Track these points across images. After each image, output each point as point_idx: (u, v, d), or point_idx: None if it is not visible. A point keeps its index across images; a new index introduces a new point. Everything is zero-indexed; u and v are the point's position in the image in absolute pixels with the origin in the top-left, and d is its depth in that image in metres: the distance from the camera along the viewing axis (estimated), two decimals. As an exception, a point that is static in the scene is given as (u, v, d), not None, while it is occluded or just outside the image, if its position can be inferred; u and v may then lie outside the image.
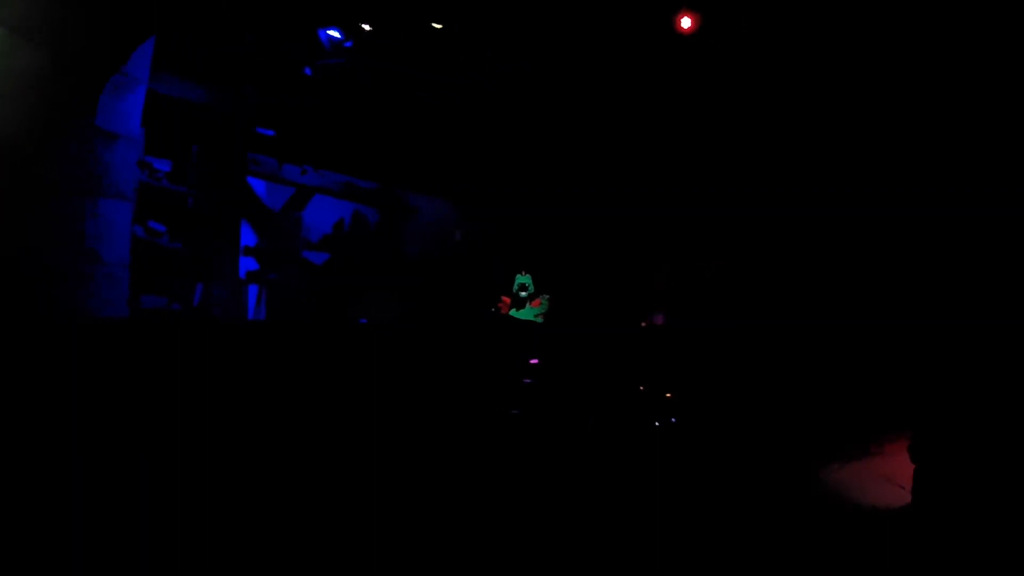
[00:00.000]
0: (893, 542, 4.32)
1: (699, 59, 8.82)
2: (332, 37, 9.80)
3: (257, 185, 10.98)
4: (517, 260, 8.45)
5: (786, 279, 8.55)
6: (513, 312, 8.20)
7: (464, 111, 10.42)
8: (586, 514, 4.46)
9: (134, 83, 7.49)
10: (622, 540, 4.25)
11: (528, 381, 6.99)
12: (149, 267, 8.20)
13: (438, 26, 9.55)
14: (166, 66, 8.37)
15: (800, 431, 6.53)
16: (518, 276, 8.21)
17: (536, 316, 8.14)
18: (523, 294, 8.17)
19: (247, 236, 10.92)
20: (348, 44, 9.90)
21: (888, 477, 5.26)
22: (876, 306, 7.85)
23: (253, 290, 10.84)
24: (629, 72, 9.43)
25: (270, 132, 10.46)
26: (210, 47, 8.94)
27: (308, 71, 10.26)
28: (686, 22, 8.40)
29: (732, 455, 5.91)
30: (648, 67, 9.18)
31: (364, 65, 10.11)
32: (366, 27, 9.64)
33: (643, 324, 8.20)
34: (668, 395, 6.65)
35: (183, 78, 8.66)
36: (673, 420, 6.33)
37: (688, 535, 4.37)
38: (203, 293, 8.99)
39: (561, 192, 10.48)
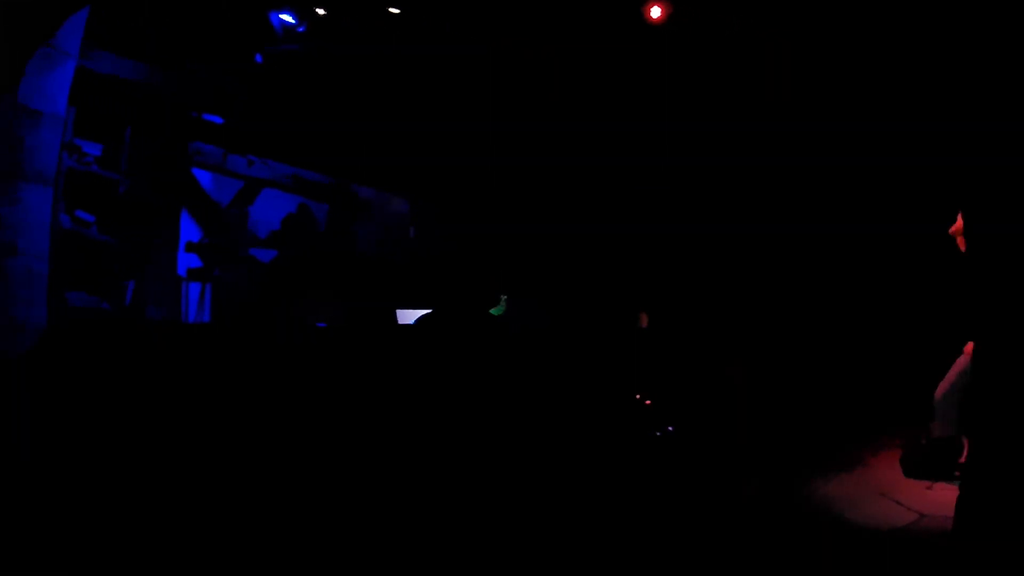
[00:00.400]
0: (895, 565, 3.91)
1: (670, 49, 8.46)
2: (285, 22, 9.27)
3: (203, 177, 10.34)
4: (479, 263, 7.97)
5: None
6: None
7: (425, 102, 9.89)
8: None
9: (63, 57, 6.84)
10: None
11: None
12: (76, 261, 7.50)
13: (395, 11, 9.09)
14: (101, 41, 7.73)
15: (780, 441, 6.15)
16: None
17: None
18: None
19: (190, 231, 10.28)
20: (301, 29, 9.37)
21: (883, 491, 4.87)
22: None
23: (195, 289, 10.19)
24: (596, 62, 9.05)
25: (217, 119, 9.83)
26: (152, 24, 8.33)
27: (259, 58, 9.69)
28: (655, 12, 8.09)
29: (714, 467, 5.47)
30: (617, 57, 8.79)
31: (318, 52, 9.57)
32: (320, 11, 9.16)
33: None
34: (648, 402, 6.20)
35: (120, 54, 7.98)
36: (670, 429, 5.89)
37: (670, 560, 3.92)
38: (136, 291, 8.29)
39: (526, 191, 10.03)
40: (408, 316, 7.21)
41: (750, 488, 5.09)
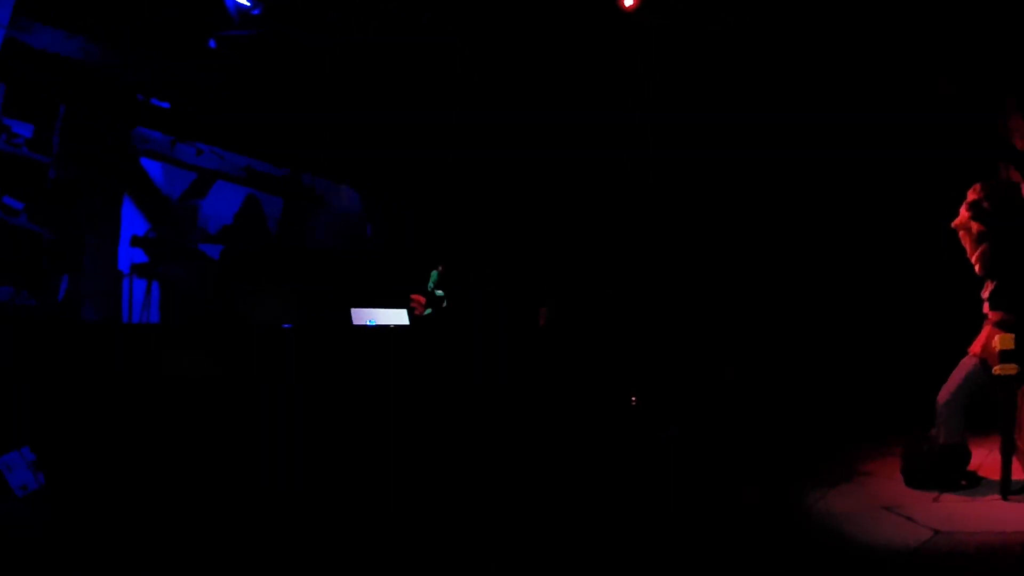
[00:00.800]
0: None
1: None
2: (240, 5, 8.71)
3: (153, 168, 9.71)
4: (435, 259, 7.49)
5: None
6: (429, 312, 7.20)
7: (383, 92, 9.35)
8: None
9: (-12, 28, 6.23)
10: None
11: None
12: (2, 252, 6.83)
13: None
14: (37, 13, 7.11)
15: (775, 447, 5.74)
16: (433, 272, 7.21)
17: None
18: (439, 292, 7.17)
19: (136, 223, 9.63)
20: (256, 12, 8.81)
21: (887, 504, 4.45)
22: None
23: (140, 286, 9.53)
24: (567, 50, 8.61)
25: (165, 105, 9.20)
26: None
27: (212, 43, 9.09)
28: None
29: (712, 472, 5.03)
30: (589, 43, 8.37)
31: (274, 37, 9.00)
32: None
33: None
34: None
35: (56, 27, 7.33)
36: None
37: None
38: (70, 286, 7.61)
39: (489, 184, 9.56)
40: (363, 315, 6.71)
41: (750, 496, 4.67)
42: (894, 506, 4.41)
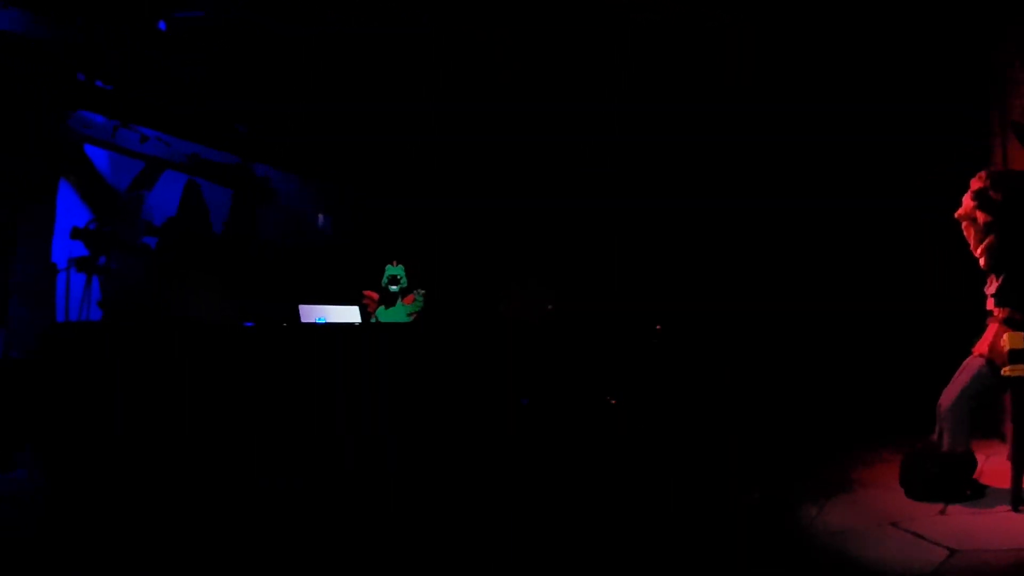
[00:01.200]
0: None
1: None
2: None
3: (99, 156, 9.05)
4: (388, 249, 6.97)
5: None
6: (381, 312, 6.67)
7: (341, 76, 8.83)
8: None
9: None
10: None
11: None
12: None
13: None
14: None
15: (769, 453, 5.35)
16: (388, 267, 6.69)
17: (409, 315, 6.66)
18: (393, 288, 6.64)
19: (77, 214, 8.98)
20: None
21: (892, 519, 4.06)
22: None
23: (79, 281, 8.87)
24: (535, 39, 8.20)
25: (109, 87, 8.57)
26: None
27: (163, 25, 8.52)
28: None
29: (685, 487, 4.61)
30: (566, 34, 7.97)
31: (227, 19, 8.47)
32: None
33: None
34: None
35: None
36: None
37: None
38: (-4, 278, 6.97)
39: (447, 175, 9.08)
40: (312, 312, 6.19)
41: (752, 498, 4.30)
42: (899, 521, 4.02)
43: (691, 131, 7.75)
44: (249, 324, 6.66)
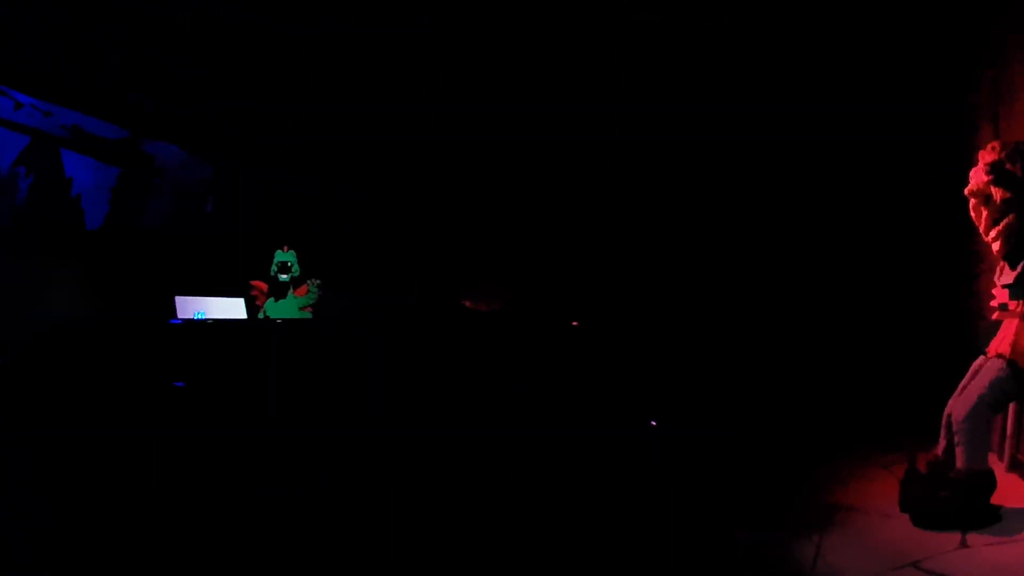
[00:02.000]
0: None
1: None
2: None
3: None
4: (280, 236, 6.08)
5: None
6: (270, 305, 5.77)
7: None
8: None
9: None
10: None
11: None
12: None
13: None
14: None
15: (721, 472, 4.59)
16: (278, 252, 5.79)
17: (301, 309, 5.76)
18: (283, 277, 5.75)
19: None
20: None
21: (908, 556, 3.32)
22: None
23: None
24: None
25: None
26: None
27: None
28: None
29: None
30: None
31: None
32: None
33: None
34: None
35: None
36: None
37: None
38: None
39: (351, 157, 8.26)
40: (190, 305, 5.20)
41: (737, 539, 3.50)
42: (917, 560, 3.27)
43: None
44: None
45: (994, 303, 4.14)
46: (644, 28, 7.21)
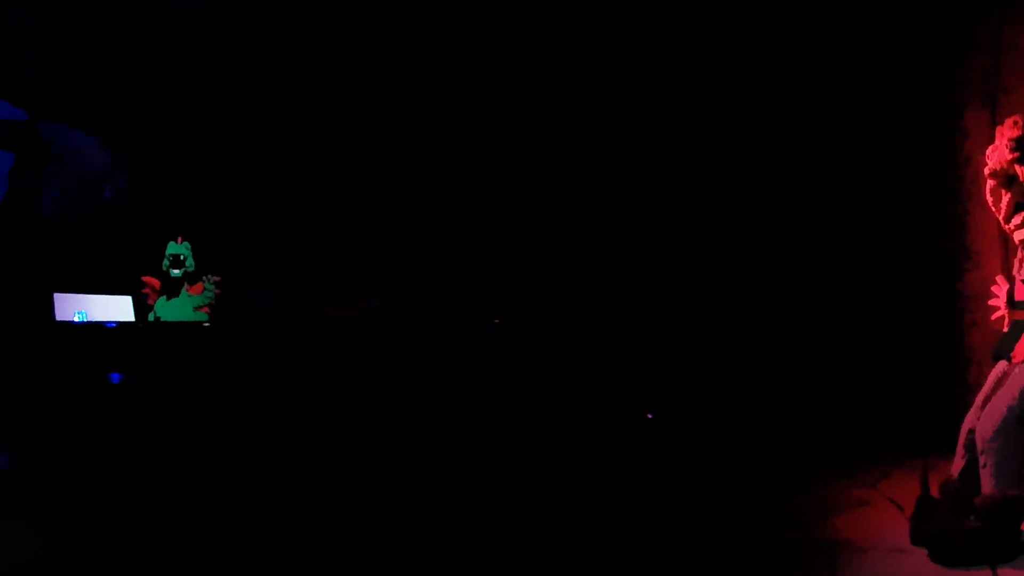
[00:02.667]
0: None
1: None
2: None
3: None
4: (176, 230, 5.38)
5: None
6: (161, 305, 5.07)
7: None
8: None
9: None
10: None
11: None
12: None
13: None
14: None
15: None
16: (171, 244, 5.11)
17: (196, 309, 5.08)
18: (175, 272, 5.07)
19: None
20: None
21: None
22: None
23: None
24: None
25: None
26: None
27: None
28: None
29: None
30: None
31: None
32: None
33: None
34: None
35: None
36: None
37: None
38: None
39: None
40: (69, 304, 4.45)
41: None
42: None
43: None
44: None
45: (997, 301, 3.64)
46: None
